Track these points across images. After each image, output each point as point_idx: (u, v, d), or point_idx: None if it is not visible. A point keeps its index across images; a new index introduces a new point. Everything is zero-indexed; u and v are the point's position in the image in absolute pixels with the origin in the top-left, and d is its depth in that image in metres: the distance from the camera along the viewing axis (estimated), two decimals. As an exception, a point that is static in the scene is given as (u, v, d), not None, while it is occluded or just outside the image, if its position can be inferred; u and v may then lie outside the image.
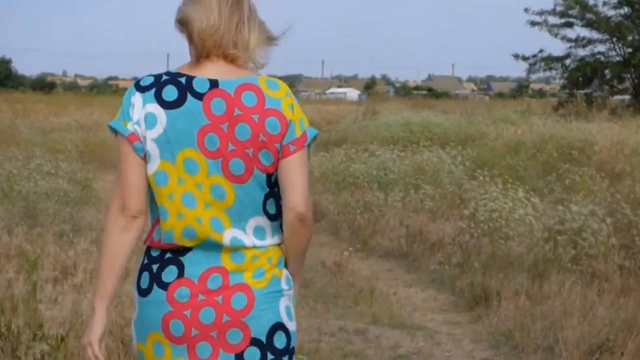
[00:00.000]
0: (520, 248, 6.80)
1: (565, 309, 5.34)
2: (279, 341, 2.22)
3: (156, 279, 2.19)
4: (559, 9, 26.90)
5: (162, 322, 2.17)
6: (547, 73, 28.89)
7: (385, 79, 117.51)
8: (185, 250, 2.19)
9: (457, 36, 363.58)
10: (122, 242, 2.21)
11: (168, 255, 2.20)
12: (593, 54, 27.31)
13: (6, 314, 4.15)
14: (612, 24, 26.23)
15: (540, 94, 63.28)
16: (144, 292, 2.21)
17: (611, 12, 26.97)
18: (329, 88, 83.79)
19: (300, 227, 2.21)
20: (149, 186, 2.21)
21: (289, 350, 2.25)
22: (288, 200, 2.18)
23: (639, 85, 26.79)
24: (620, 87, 28.07)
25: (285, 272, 2.28)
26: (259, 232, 2.22)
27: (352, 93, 71.44)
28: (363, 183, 10.49)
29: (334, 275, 7.06)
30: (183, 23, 2.22)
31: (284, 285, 2.26)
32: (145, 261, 2.24)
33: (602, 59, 27.27)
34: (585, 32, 27.33)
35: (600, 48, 27.37)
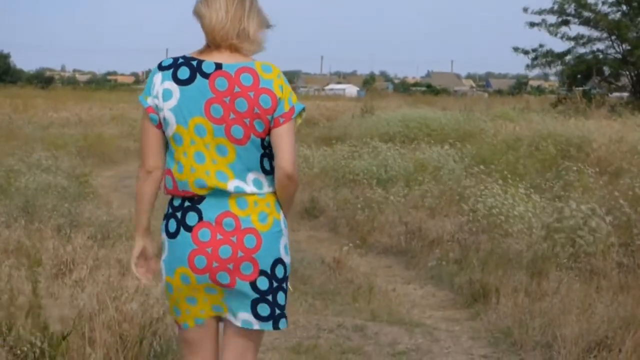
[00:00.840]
0: (519, 245, 6.80)
1: (564, 307, 5.33)
2: (279, 272, 2.83)
3: (182, 223, 2.77)
4: (556, 7, 26.87)
5: (188, 259, 2.76)
6: (546, 69, 28.88)
7: (385, 75, 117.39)
8: (200, 198, 2.76)
9: (456, 33, 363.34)
10: (144, 189, 2.84)
11: (187, 203, 2.77)
12: (592, 51, 27.31)
13: (5, 310, 4.14)
14: (612, 21, 26.20)
15: (539, 90, 63.23)
16: (172, 235, 2.79)
17: (608, 10, 26.96)
18: (327, 84, 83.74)
19: (288, 182, 2.79)
20: (167, 144, 2.81)
21: (285, 277, 2.87)
22: (278, 161, 2.77)
23: (637, 83, 26.77)
24: (618, 84, 28.06)
25: (282, 214, 2.86)
26: (256, 183, 2.80)
27: (351, 89, 71.43)
28: (362, 180, 10.48)
29: (333, 272, 7.05)
30: (197, 16, 2.81)
31: (282, 226, 2.84)
32: (170, 210, 2.82)
33: (601, 56, 27.26)
34: (582, 30, 27.32)
35: (599, 45, 27.38)
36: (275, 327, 2.85)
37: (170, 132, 2.77)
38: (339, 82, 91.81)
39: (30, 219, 7.06)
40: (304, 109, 2.83)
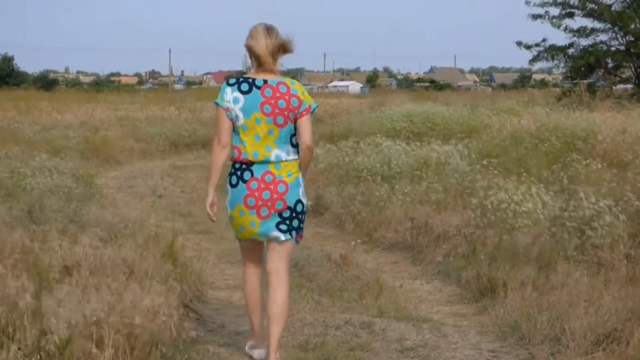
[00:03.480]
0: (526, 238, 6.77)
1: (572, 299, 5.31)
2: (299, 208, 4.58)
3: (241, 178, 4.50)
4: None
5: (243, 200, 4.49)
6: (550, 63, 28.78)
7: (388, 72, 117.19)
8: (252, 163, 4.49)
9: (459, 27, 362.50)
10: (219, 158, 4.53)
11: (244, 166, 4.50)
12: (595, 44, 27.19)
13: (11, 312, 4.13)
14: (614, 12, 26.09)
15: (543, 84, 63.17)
16: (234, 186, 4.52)
17: (611, 1, 26.85)
18: (331, 81, 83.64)
19: (307, 150, 4.56)
20: (234, 130, 4.50)
21: (303, 212, 4.61)
22: (301, 137, 4.54)
23: (641, 74, 26.65)
24: (622, 76, 27.94)
25: (300, 173, 4.58)
26: (289, 152, 4.55)
27: (355, 86, 71.33)
28: (367, 176, 10.45)
29: (339, 269, 7.04)
30: (248, 49, 4.54)
31: (300, 181, 4.57)
32: (232, 170, 4.54)
33: (604, 48, 27.14)
34: (586, 22, 27.21)
35: (602, 37, 27.26)
36: (287, 238, 4.57)
37: (239, 123, 4.50)
38: (342, 79, 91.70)
39: (36, 221, 7.05)
40: (317, 107, 4.65)
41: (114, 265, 5.26)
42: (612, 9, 26.32)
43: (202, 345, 4.95)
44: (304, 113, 4.54)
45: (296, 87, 4.57)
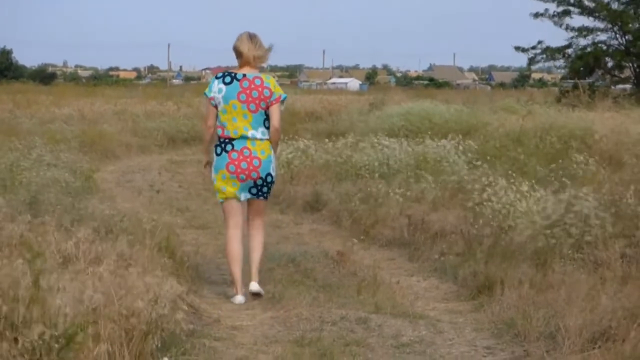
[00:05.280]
0: (522, 237, 6.77)
1: (568, 298, 5.32)
2: (269, 179, 5.97)
3: (224, 149, 5.88)
4: None
5: (225, 166, 5.87)
6: (549, 63, 28.81)
7: (387, 69, 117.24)
8: (233, 139, 5.86)
9: (458, 25, 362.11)
10: (206, 135, 6.07)
11: (227, 140, 5.88)
12: (594, 43, 27.18)
13: (10, 304, 4.13)
14: (614, 12, 26.09)
15: (542, 83, 63.24)
16: (218, 155, 5.90)
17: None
18: (330, 78, 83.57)
19: (276, 133, 5.92)
20: (218, 114, 5.89)
21: (272, 182, 6.01)
22: (271, 121, 5.88)
23: (640, 74, 26.65)
24: (622, 76, 27.94)
25: (272, 151, 5.96)
26: (262, 132, 5.88)
27: (354, 83, 71.39)
28: (365, 174, 10.44)
29: (336, 265, 7.04)
30: (235, 49, 5.95)
31: (271, 157, 5.94)
32: (218, 143, 5.91)
33: (604, 47, 27.13)
34: (584, 21, 27.24)
35: (602, 37, 27.26)
36: (258, 198, 6.02)
37: (220, 108, 5.88)
38: (341, 76, 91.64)
39: (34, 214, 7.04)
40: (286, 97, 5.95)
41: (111, 257, 5.26)
42: (610, 7, 26.31)
43: (198, 339, 4.95)
44: (274, 102, 5.85)
45: (269, 81, 5.89)
